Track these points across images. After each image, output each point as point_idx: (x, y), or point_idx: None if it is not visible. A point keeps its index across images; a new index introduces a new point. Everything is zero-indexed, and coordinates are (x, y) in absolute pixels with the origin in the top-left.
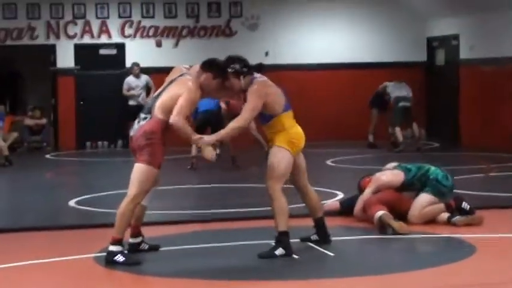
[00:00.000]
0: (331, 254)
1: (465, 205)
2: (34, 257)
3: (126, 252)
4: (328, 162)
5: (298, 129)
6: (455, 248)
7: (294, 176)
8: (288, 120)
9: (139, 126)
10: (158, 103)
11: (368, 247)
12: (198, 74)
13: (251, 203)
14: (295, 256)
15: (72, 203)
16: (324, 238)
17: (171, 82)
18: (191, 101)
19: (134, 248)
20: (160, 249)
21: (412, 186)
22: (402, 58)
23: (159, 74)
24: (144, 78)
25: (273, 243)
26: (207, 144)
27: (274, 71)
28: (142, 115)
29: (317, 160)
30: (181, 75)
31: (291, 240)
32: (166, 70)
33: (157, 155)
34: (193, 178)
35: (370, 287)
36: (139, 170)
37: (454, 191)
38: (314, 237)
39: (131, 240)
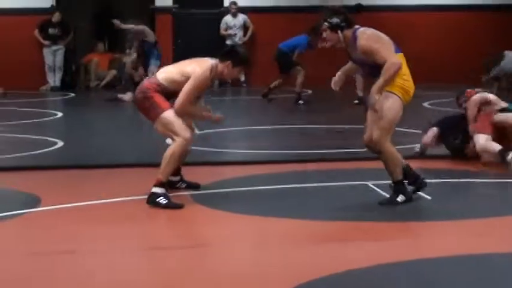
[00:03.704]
0: (428, 198)
1: None
2: (134, 193)
3: (168, 195)
4: (425, 104)
5: (410, 79)
6: None
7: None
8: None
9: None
10: (164, 69)
11: (465, 190)
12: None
13: (348, 144)
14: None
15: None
16: (416, 183)
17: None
18: (197, 86)
19: (172, 186)
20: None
21: None
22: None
23: (256, 14)
24: (242, 17)
25: (391, 191)
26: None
27: (373, 12)
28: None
29: (414, 102)
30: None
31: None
32: (264, 10)
33: (159, 102)
34: (294, 119)
35: (467, 232)
36: (164, 121)
37: None
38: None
39: (173, 178)
